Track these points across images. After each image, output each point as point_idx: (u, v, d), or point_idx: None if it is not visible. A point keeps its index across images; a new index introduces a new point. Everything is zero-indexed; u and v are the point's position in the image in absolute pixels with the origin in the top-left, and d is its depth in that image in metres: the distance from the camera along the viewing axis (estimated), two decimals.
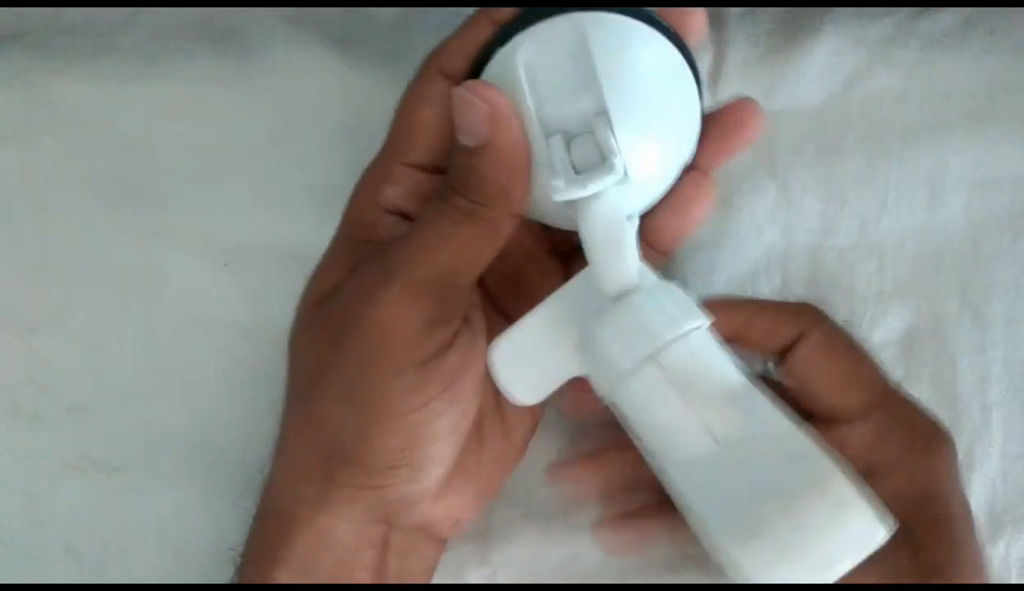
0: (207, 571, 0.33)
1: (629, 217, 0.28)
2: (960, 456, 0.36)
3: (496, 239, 0.29)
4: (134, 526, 0.36)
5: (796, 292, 0.37)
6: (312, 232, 0.32)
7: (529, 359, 0.30)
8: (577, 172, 0.28)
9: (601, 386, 0.29)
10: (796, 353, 0.32)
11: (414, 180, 0.30)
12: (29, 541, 0.37)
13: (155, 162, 0.38)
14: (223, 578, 0.31)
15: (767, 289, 0.37)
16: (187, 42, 0.39)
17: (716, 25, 0.38)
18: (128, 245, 0.38)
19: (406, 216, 0.30)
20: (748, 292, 0.37)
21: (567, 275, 0.31)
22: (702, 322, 0.28)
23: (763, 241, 0.38)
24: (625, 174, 0.28)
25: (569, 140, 0.28)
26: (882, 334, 0.37)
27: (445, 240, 0.28)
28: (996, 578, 0.35)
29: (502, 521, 0.36)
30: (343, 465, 0.29)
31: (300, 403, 0.30)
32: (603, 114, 0.28)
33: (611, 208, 0.28)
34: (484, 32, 0.29)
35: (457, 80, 0.29)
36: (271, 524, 0.30)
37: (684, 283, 0.31)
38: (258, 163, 0.38)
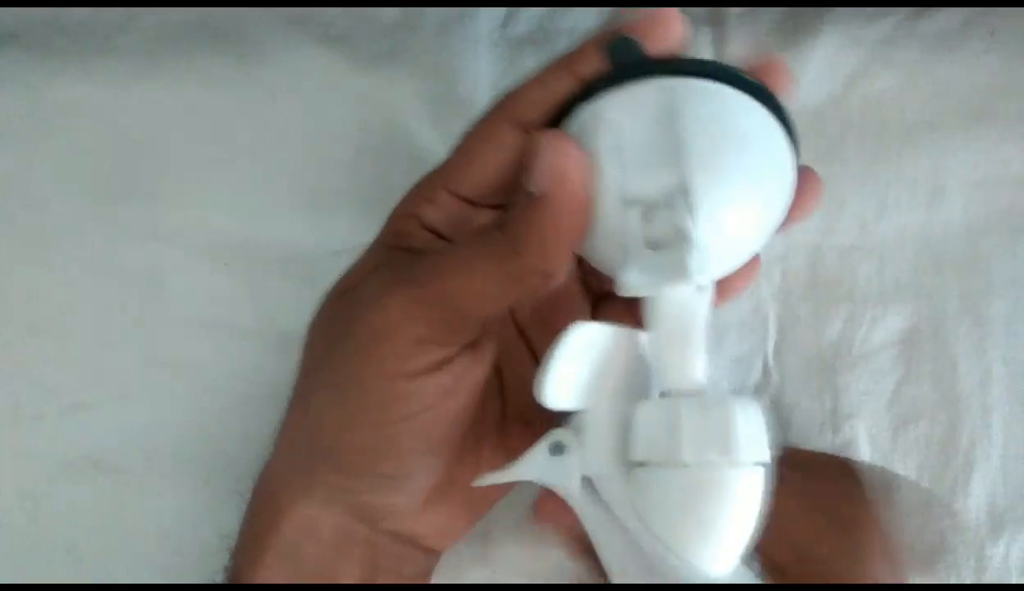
0: (207, 571, 0.33)
1: (701, 288, 0.26)
2: (960, 456, 0.36)
3: (519, 289, 0.27)
4: (134, 526, 0.36)
5: (796, 292, 0.37)
6: (312, 232, 0.32)
7: (593, 361, 0.28)
8: (649, 247, 0.26)
9: (651, 449, 0.26)
10: None
11: (456, 209, 0.30)
12: (29, 541, 0.37)
13: (155, 162, 0.38)
14: (224, 577, 0.31)
15: (767, 289, 0.37)
16: (187, 42, 0.39)
17: (716, 25, 0.38)
18: (128, 245, 0.38)
19: (439, 235, 0.30)
20: (748, 292, 0.37)
21: (594, 314, 0.32)
22: (766, 459, 0.25)
23: None
24: (699, 276, 0.25)
25: (647, 212, 0.26)
26: (882, 334, 0.37)
27: (465, 269, 0.27)
28: (996, 578, 0.35)
29: (502, 521, 0.36)
30: (323, 461, 0.29)
31: (300, 392, 0.30)
32: (684, 191, 0.25)
33: (682, 309, 0.26)
34: (563, 84, 0.28)
35: (527, 130, 0.29)
36: (262, 507, 0.30)
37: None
38: (258, 163, 0.38)
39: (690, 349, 0.26)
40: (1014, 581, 0.36)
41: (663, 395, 0.27)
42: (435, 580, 0.34)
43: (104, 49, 0.39)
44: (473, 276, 0.27)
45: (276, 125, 0.38)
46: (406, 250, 0.30)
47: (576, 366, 0.27)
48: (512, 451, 0.30)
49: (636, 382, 0.28)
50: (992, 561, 0.36)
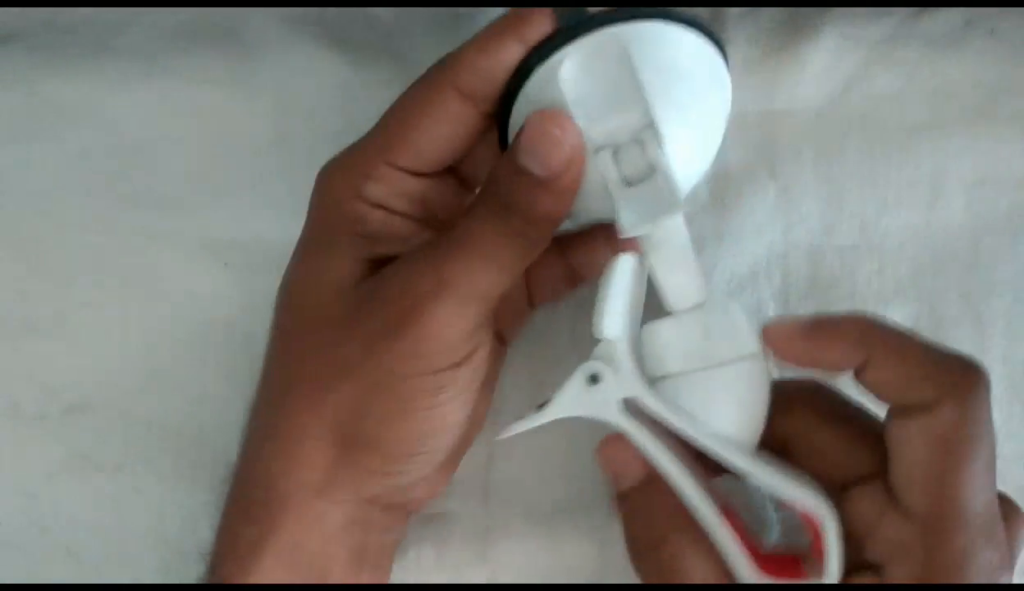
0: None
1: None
2: None
3: (533, 257, 0.29)
4: (134, 525, 0.36)
5: (796, 292, 0.37)
6: None
7: (628, 289, 0.30)
8: (628, 184, 0.28)
9: (670, 361, 0.29)
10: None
11: (400, 181, 0.30)
12: (29, 541, 0.37)
13: (155, 162, 0.38)
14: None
15: (767, 289, 0.37)
16: (187, 42, 0.39)
17: (716, 25, 0.38)
18: (128, 245, 0.38)
19: (391, 211, 0.31)
20: (748, 292, 0.37)
21: (566, 264, 0.34)
22: (757, 351, 0.29)
23: (763, 241, 0.38)
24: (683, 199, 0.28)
25: (615, 151, 0.28)
26: None
27: (496, 257, 0.28)
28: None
29: (502, 521, 0.36)
30: (362, 451, 0.29)
31: (312, 390, 0.30)
32: (651, 127, 0.28)
33: (676, 234, 0.29)
34: (509, 51, 0.29)
35: (474, 99, 0.29)
36: (253, 516, 0.30)
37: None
38: (258, 163, 0.38)
39: (690, 267, 0.29)
40: (1014, 581, 0.36)
41: (675, 313, 0.30)
42: (435, 579, 0.34)
43: (103, 49, 0.39)
44: (503, 261, 0.28)
45: (276, 125, 0.38)
46: (366, 237, 0.30)
47: (620, 297, 0.29)
48: (475, 409, 0.32)
49: (638, 305, 0.30)
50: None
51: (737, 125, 0.38)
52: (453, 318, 0.28)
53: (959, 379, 0.28)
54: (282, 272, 0.32)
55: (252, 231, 0.37)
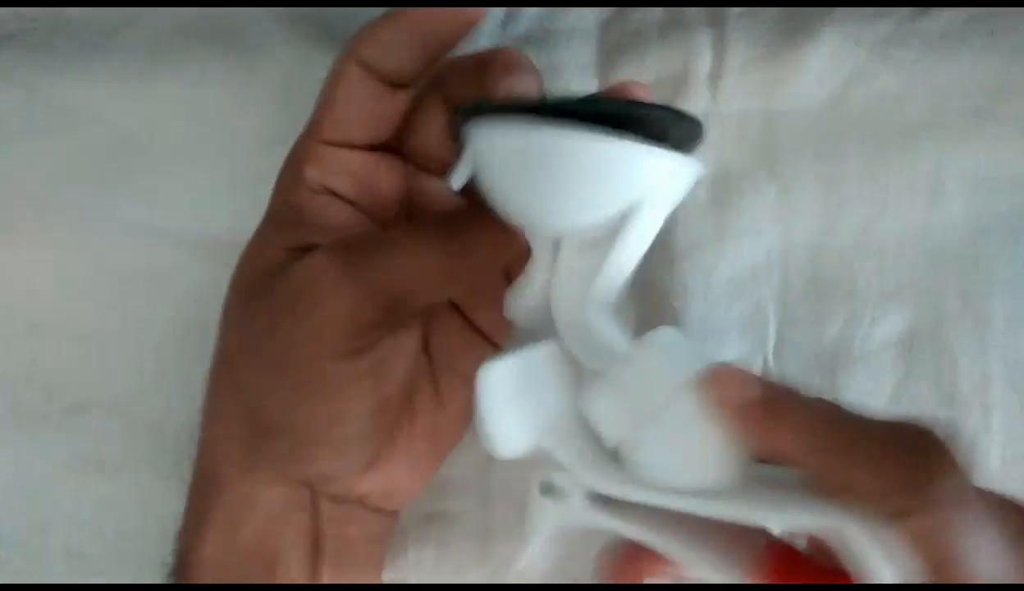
0: None
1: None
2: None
3: (460, 285, 0.29)
4: (135, 526, 0.36)
5: (796, 292, 0.37)
6: None
7: (523, 391, 0.27)
8: None
9: (615, 427, 0.27)
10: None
11: (336, 157, 0.31)
12: (29, 541, 0.37)
13: (154, 161, 0.38)
14: (172, 559, 0.32)
15: (767, 290, 0.37)
16: (187, 41, 0.39)
17: (716, 25, 0.38)
18: (128, 244, 0.38)
19: (335, 194, 0.31)
20: (747, 292, 0.37)
21: None
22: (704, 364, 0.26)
23: (763, 241, 0.38)
24: None
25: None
26: (882, 334, 0.37)
27: (417, 257, 0.28)
28: None
29: (502, 521, 0.36)
30: (268, 435, 0.29)
31: (229, 370, 0.31)
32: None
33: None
34: (403, 33, 0.29)
35: (375, 71, 0.30)
36: (201, 487, 0.31)
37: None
38: (258, 163, 0.38)
39: (600, 327, 0.27)
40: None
41: (604, 375, 0.27)
42: (434, 579, 0.34)
43: (104, 48, 0.39)
44: (421, 271, 0.28)
45: (275, 124, 0.38)
46: (302, 223, 0.30)
47: (516, 398, 0.27)
48: (443, 398, 0.32)
49: (566, 382, 0.28)
50: None
51: (737, 125, 0.38)
52: (352, 306, 0.28)
53: (921, 481, 0.24)
54: None
55: (252, 230, 0.37)
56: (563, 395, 0.28)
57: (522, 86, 0.28)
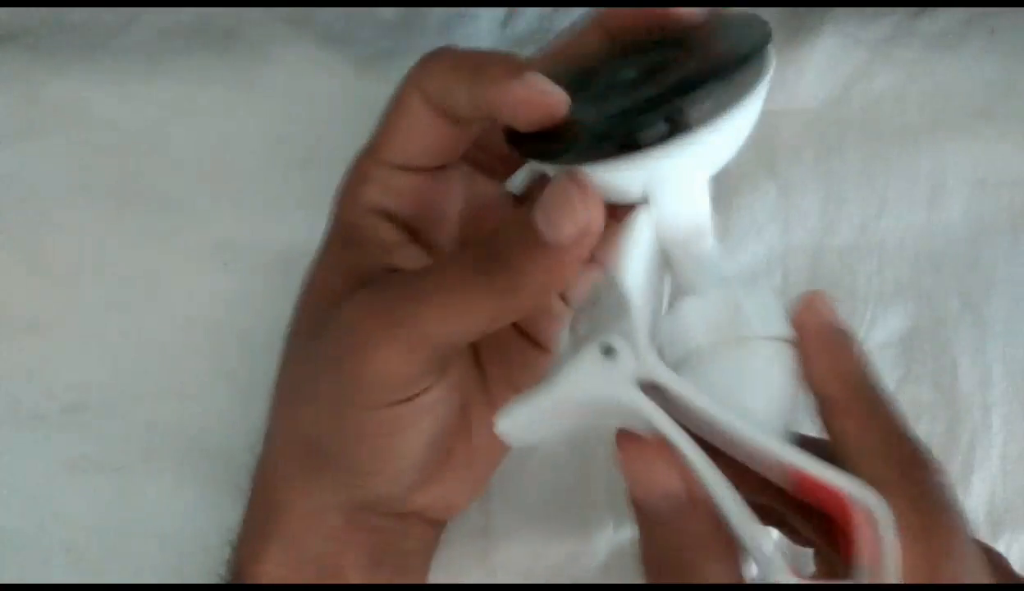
0: (208, 571, 0.33)
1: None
2: (960, 456, 0.36)
3: (506, 321, 0.28)
4: (134, 526, 0.36)
5: (796, 292, 0.37)
6: (312, 232, 0.32)
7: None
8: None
9: (699, 334, 0.26)
10: None
11: (393, 179, 0.30)
12: (29, 541, 0.37)
13: (155, 162, 0.38)
14: (226, 570, 0.32)
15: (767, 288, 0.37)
16: (188, 42, 0.39)
17: None
18: (128, 245, 0.38)
19: (389, 215, 0.30)
20: None
21: None
22: (790, 335, 0.26)
23: (763, 241, 0.38)
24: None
25: None
26: (882, 334, 0.37)
27: (461, 310, 0.27)
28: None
29: (502, 521, 0.36)
30: (327, 467, 0.29)
31: (288, 398, 0.31)
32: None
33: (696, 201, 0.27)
34: (462, 75, 0.28)
35: (439, 109, 0.29)
36: (263, 499, 0.31)
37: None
38: (258, 163, 0.38)
39: (708, 246, 0.27)
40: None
41: (699, 291, 0.27)
42: (433, 579, 0.34)
43: (104, 49, 0.39)
44: (471, 313, 0.27)
45: (276, 125, 0.38)
46: (358, 245, 0.30)
47: (642, 257, 0.26)
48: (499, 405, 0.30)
49: (658, 278, 0.28)
50: None
51: None
52: (396, 361, 0.27)
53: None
54: (282, 273, 0.32)
55: (252, 232, 0.37)
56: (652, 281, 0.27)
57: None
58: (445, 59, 0.29)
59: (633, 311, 0.26)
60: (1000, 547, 0.36)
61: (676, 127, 0.26)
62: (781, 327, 0.26)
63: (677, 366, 0.26)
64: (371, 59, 0.38)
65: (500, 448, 0.33)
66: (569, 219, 0.25)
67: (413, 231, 0.31)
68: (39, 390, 0.37)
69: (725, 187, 0.38)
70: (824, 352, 0.26)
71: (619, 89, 0.27)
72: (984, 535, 0.36)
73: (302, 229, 0.35)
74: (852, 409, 0.25)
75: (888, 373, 0.37)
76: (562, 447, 0.36)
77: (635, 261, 0.26)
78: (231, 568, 0.31)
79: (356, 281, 0.29)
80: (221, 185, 0.38)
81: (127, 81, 0.38)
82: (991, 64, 0.38)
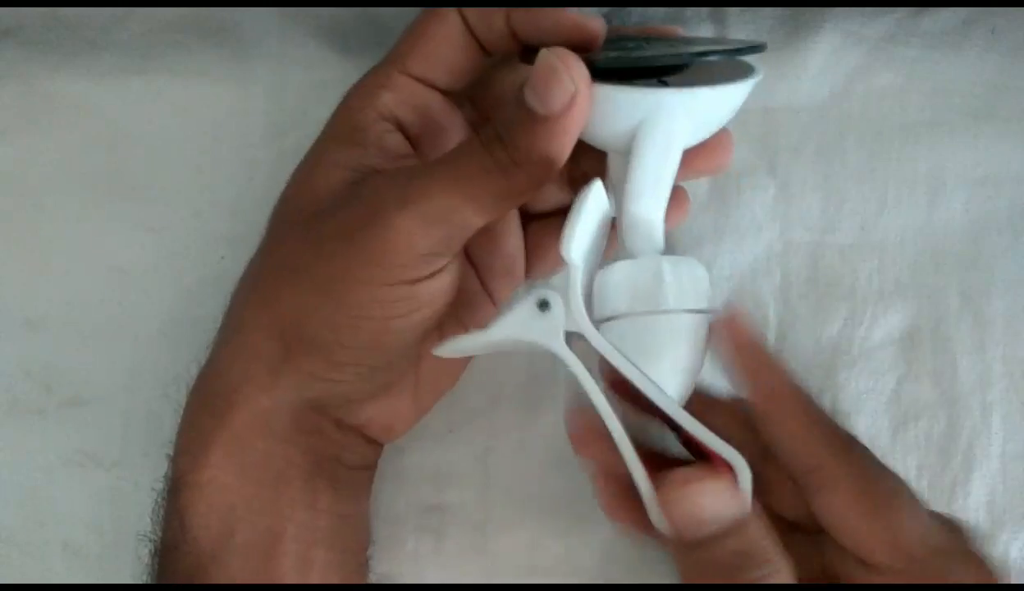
0: None
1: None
2: (960, 455, 0.36)
3: (519, 200, 0.29)
4: (132, 521, 0.36)
5: (796, 290, 0.37)
6: None
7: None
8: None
9: (619, 301, 0.30)
10: (823, 498, 0.30)
11: (411, 90, 0.31)
12: (27, 537, 0.37)
13: (151, 156, 0.38)
14: (163, 485, 0.31)
15: (767, 287, 0.37)
16: (183, 36, 0.39)
17: (717, 23, 0.38)
18: (124, 239, 0.38)
19: (399, 124, 0.31)
20: (748, 290, 0.37)
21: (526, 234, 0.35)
22: (710, 308, 0.30)
23: (763, 239, 0.38)
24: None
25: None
26: (882, 333, 0.37)
27: (471, 185, 0.28)
28: (995, 578, 0.35)
29: (500, 513, 0.36)
30: (305, 351, 0.30)
31: (267, 287, 0.31)
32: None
33: (657, 177, 0.30)
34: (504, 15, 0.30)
35: (472, 29, 0.31)
36: (208, 406, 0.31)
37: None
38: (253, 157, 0.38)
39: (658, 216, 0.30)
40: (1014, 580, 0.35)
41: (634, 256, 0.30)
42: (432, 575, 0.34)
43: (100, 44, 0.39)
44: (478, 192, 0.28)
45: (269, 118, 0.38)
46: (360, 147, 0.30)
47: (589, 225, 0.29)
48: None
49: (599, 244, 0.31)
50: (991, 560, 0.35)
51: (737, 122, 0.38)
52: (412, 233, 0.28)
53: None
54: None
55: (247, 225, 0.37)
56: (593, 244, 0.30)
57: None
58: None
59: (571, 270, 0.28)
60: (1000, 546, 0.36)
61: (677, 77, 0.29)
62: (697, 301, 0.30)
63: (604, 323, 0.30)
64: (366, 51, 0.38)
65: (444, 382, 0.35)
66: (556, 90, 0.27)
67: (416, 147, 0.32)
68: (36, 384, 0.37)
69: (725, 186, 0.38)
70: (753, 370, 0.30)
71: (633, 46, 0.31)
72: (983, 534, 0.36)
73: None
74: (787, 415, 0.30)
75: (888, 371, 0.37)
76: (561, 443, 0.36)
77: (582, 225, 0.28)
78: (168, 482, 0.31)
79: (360, 177, 0.30)
80: (216, 179, 0.38)
81: (121, 76, 0.38)
82: (992, 63, 0.38)
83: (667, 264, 0.29)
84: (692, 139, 0.30)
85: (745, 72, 0.31)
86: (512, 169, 0.28)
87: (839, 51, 0.38)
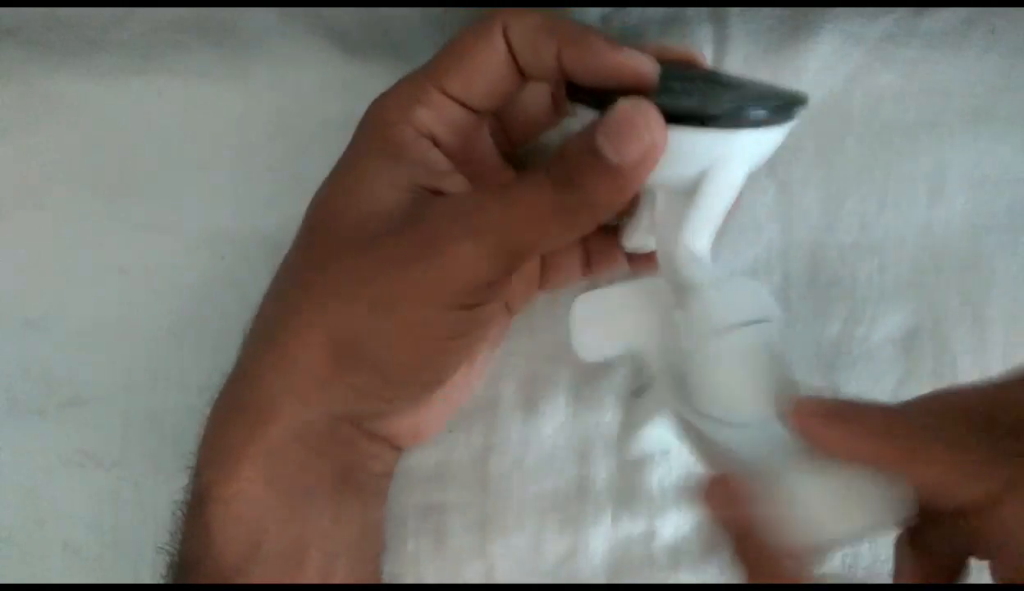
0: None
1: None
2: None
3: (575, 237, 0.30)
4: (132, 520, 0.36)
5: (797, 290, 0.37)
6: None
7: (606, 319, 0.33)
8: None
9: (682, 338, 0.30)
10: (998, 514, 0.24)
11: (450, 109, 0.31)
12: (27, 536, 0.37)
13: (151, 156, 0.38)
14: (183, 497, 0.31)
15: (767, 286, 0.37)
16: (182, 36, 0.39)
17: (717, 22, 0.38)
18: (124, 238, 0.38)
19: (435, 142, 0.31)
20: None
21: (584, 250, 0.36)
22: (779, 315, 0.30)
23: (763, 239, 0.38)
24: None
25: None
26: (882, 333, 0.37)
27: (540, 223, 0.29)
28: None
29: (500, 514, 0.36)
30: (358, 368, 0.30)
31: (318, 300, 0.30)
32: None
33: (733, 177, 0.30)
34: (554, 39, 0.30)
35: (515, 53, 0.30)
36: (240, 417, 0.31)
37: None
38: (254, 156, 0.38)
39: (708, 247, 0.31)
40: None
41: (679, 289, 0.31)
42: (432, 571, 0.34)
43: (100, 43, 0.39)
44: (543, 228, 0.29)
45: (271, 117, 0.38)
46: (404, 162, 0.30)
47: (600, 325, 0.32)
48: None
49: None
50: None
51: None
52: (477, 263, 0.28)
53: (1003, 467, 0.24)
54: (279, 263, 0.32)
55: (248, 224, 0.37)
56: (657, 318, 0.32)
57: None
58: (538, 17, 0.30)
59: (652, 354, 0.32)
60: None
61: (743, 118, 0.29)
62: (743, 316, 0.29)
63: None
64: (366, 51, 0.38)
65: (466, 389, 0.35)
66: (634, 142, 0.27)
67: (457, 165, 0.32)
68: (36, 384, 0.37)
69: None
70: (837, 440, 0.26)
71: (680, 89, 0.30)
72: None
73: (297, 220, 0.35)
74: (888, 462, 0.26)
75: (888, 371, 0.37)
76: (561, 443, 0.36)
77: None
78: (192, 494, 0.30)
79: (413, 195, 0.30)
80: (217, 178, 0.38)
81: (123, 75, 0.38)
82: (992, 63, 0.38)
83: (715, 291, 0.30)
84: (749, 171, 0.31)
85: (789, 104, 0.31)
86: (580, 210, 0.28)
87: (839, 51, 0.38)
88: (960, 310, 0.37)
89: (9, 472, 0.37)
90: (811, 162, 0.38)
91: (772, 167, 0.38)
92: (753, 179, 0.37)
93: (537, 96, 0.34)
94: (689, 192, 0.30)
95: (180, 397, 0.37)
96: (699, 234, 0.31)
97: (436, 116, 0.31)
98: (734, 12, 0.38)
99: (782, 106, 0.30)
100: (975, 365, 0.37)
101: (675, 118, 0.28)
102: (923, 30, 0.38)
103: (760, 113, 0.29)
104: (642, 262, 0.36)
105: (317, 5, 0.39)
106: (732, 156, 0.30)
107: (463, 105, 0.31)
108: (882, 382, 0.37)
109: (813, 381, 0.37)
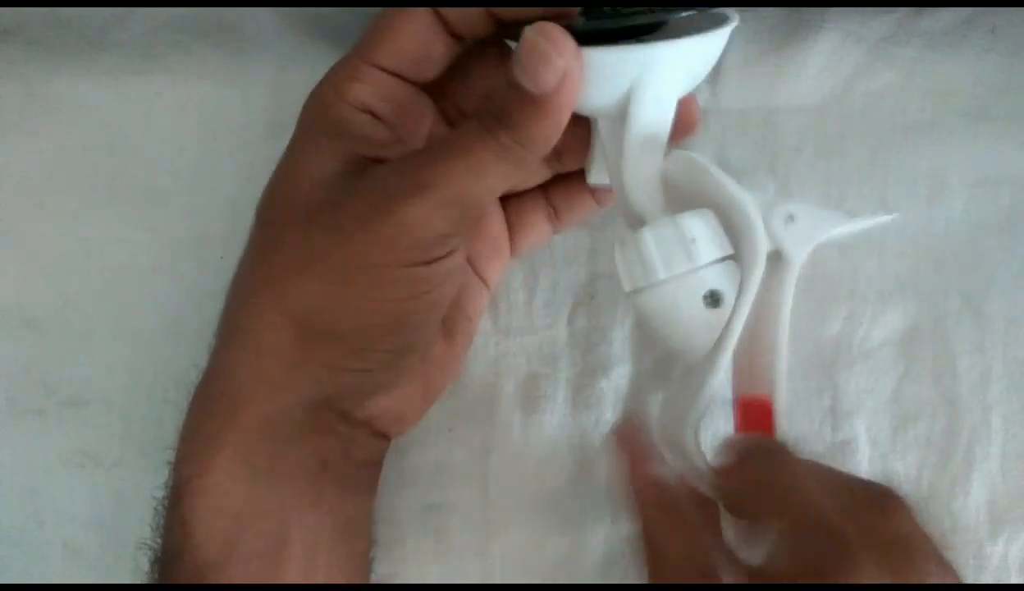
0: None
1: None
2: (960, 455, 0.36)
3: (519, 176, 0.29)
4: (133, 521, 0.36)
5: (796, 290, 0.37)
6: None
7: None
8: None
9: (628, 280, 0.30)
10: None
11: (384, 82, 0.31)
12: (27, 536, 0.37)
13: (150, 156, 0.38)
14: (163, 493, 0.31)
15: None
16: (183, 36, 0.39)
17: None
18: (125, 239, 0.38)
19: (375, 115, 0.31)
20: None
21: (547, 206, 0.36)
22: (729, 253, 0.30)
23: None
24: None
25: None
26: (882, 332, 0.37)
27: (481, 168, 0.28)
28: (995, 577, 0.35)
29: (501, 513, 0.36)
30: (324, 342, 0.30)
31: (272, 282, 0.30)
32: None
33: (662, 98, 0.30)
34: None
35: (445, 19, 0.30)
36: (213, 409, 0.30)
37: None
38: (253, 156, 0.38)
39: (657, 173, 0.31)
40: (1013, 580, 0.35)
41: (631, 217, 0.31)
42: (433, 571, 0.34)
43: (100, 43, 0.39)
44: (487, 174, 0.28)
45: (269, 118, 0.38)
46: (347, 138, 0.30)
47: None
48: (452, 333, 0.34)
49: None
50: (991, 560, 0.36)
51: (737, 122, 0.38)
52: (428, 217, 0.28)
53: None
54: None
55: (247, 225, 0.37)
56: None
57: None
58: None
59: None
60: (999, 546, 0.36)
61: (656, 31, 0.30)
62: (723, 247, 0.29)
63: (639, 293, 0.30)
64: None
65: (452, 368, 0.35)
66: (546, 67, 0.27)
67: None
68: (36, 384, 0.37)
69: None
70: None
71: (609, 11, 0.30)
72: (984, 535, 0.36)
73: None
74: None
75: (888, 371, 0.37)
76: (561, 443, 0.36)
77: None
78: (169, 489, 0.30)
79: (356, 166, 0.30)
80: (215, 178, 0.38)
81: (123, 76, 0.38)
82: (992, 63, 0.38)
83: (687, 220, 0.29)
84: (682, 91, 0.31)
85: (719, 22, 0.31)
86: (516, 148, 0.28)
87: (839, 51, 0.38)
88: (960, 310, 0.37)
89: (9, 472, 0.37)
90: (811, 162, 0.38)
91: (772, 167, 0.38)
92: (753, 179, 0.38)
93: (485, 68, 0.33)
94: (624, 117, 0.30)
95: (179, 398, 0.37)
96: (640, 160, 0.30)
97: (371, 90, 0.31)
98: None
99: (703, 19, 0.30)
100: (975, 365, 0.37)
101: (589, 39, 0.28)
102: (923, 30, 0.38)
103: (672, 24, 0.29)
104: (609, 197, 0.36)
105: (317, 5, 0.39)
106: (654, 72, 0.29)
107: (399, 77, 0.31)
108: (882, 382, 0.37)
109: (813, 381, 0.37)
